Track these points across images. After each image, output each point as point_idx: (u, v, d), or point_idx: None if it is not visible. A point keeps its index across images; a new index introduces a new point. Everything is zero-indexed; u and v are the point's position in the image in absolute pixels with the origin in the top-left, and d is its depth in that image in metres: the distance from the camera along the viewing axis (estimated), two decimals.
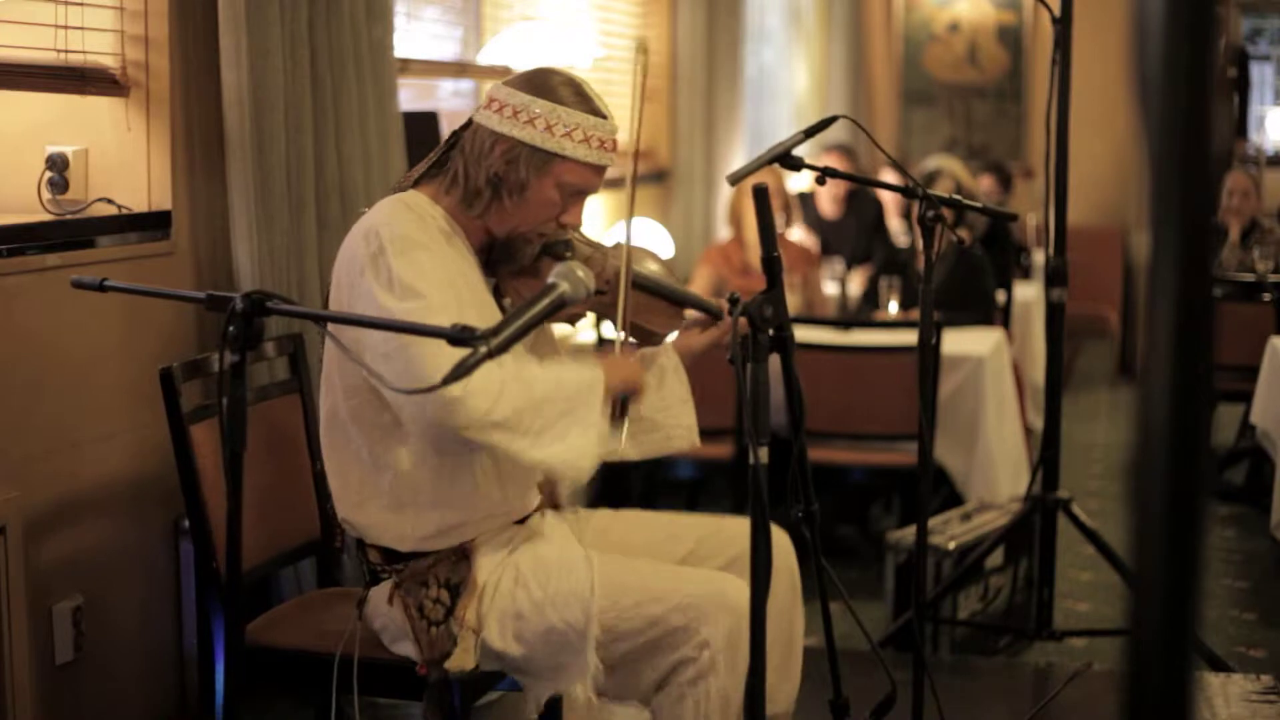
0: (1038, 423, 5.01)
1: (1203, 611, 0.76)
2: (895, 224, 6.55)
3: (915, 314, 4.76)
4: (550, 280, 1.85)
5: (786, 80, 7.88)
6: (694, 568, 2.42)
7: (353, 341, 2.17)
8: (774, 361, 2.13)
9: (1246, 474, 5.43)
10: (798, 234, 6.34)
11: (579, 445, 2.17)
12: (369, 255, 2.18)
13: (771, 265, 2.24)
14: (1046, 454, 3.67)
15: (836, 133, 7.08)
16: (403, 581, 2.31)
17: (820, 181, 2.80)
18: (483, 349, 1.70)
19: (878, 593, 4.00)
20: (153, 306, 2.94)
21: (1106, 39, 6.55)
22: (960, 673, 3.62)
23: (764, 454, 2.02)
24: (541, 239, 2.34)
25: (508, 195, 2.28)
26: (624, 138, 2.42)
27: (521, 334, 1.75)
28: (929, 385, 2.89)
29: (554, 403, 2.15)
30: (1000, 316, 5.36)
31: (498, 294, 2.38)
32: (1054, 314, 3.60)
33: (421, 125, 3.86)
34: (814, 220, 6.49)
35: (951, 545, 3.76)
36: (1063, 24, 3.50)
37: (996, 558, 3.82)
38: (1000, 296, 5.39)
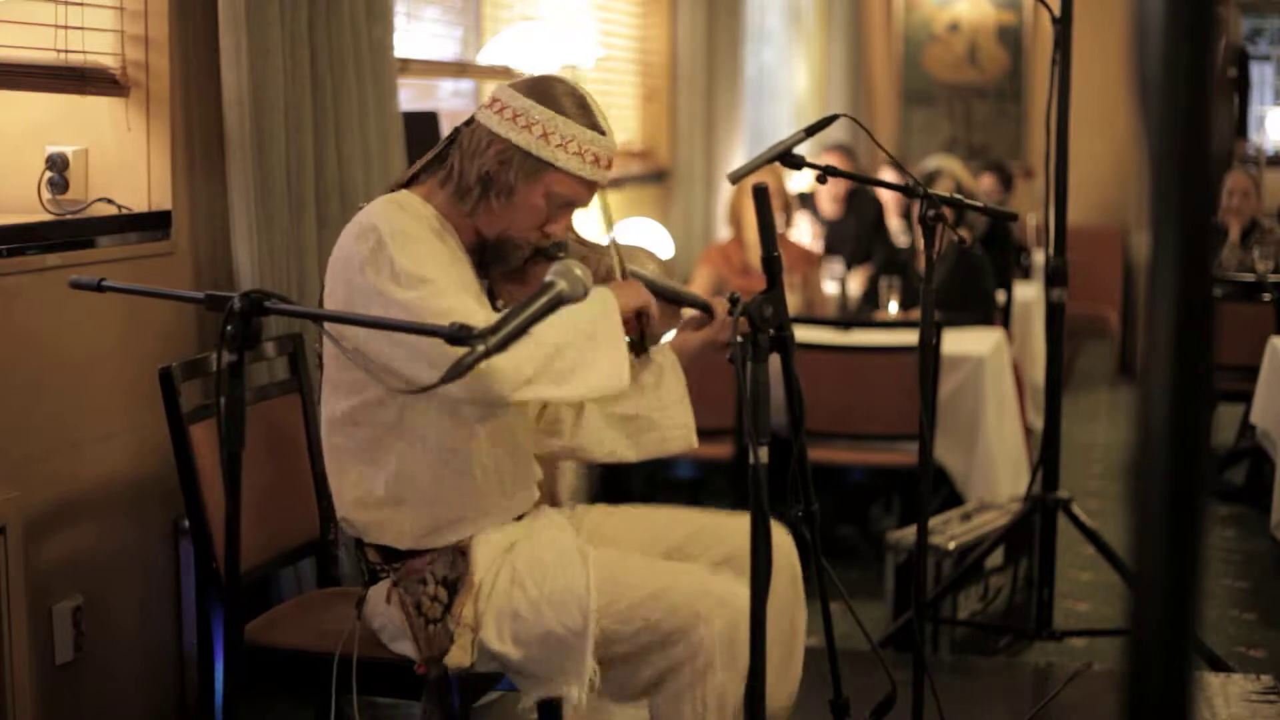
0: (1038, 423, 5.01)
1: (1203, 611, 0.76)
2: (895, 223, 6.55)
3: (915, 314, 4.77)
4: (548, 279, 1.85)
5: (786, 80, 7.88)
6: (691, 566, 2.41)
7: (354, 338, 2.17)
8: (774, 361, 2.13)
9: (1246, 474, 5.43)
10: (807, 231, 6.34)
11: (609, 369, 2.20)
12: (368, 251, 2.18)
13: (771, 265, 2.24)
14: (1046, 454, 3.67)
15: (837, 132, 7.09)
16: (400, 579, 2.31)
17: (821, 180, 2.80)
18: (480, 347, 1.70)
19: (878, 593, 4.00)
20: (152, 306, 2.94)
21: (1106, 39, 6.55)
22: (960, 673, 3.62)
23: (764, 454, 2.02)
24: (531, 246, 2.34)
25: (495, 196, 2.27)
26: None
27: (520, 332, 1.75)
28: (929, 385, 2.89)
29: (573, 344, 2.17)
30: (1000, 316, 5.36)
31: (491, 296, 2.38)
32: (1054, 314, 3.60)
33: (421, 125, 3.86)
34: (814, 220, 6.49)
35: (951, 545, 3.76)
36: (1063, 24, 3.50)
37: (996, 558, 3.82)
38: (1000, 296, 5.39)
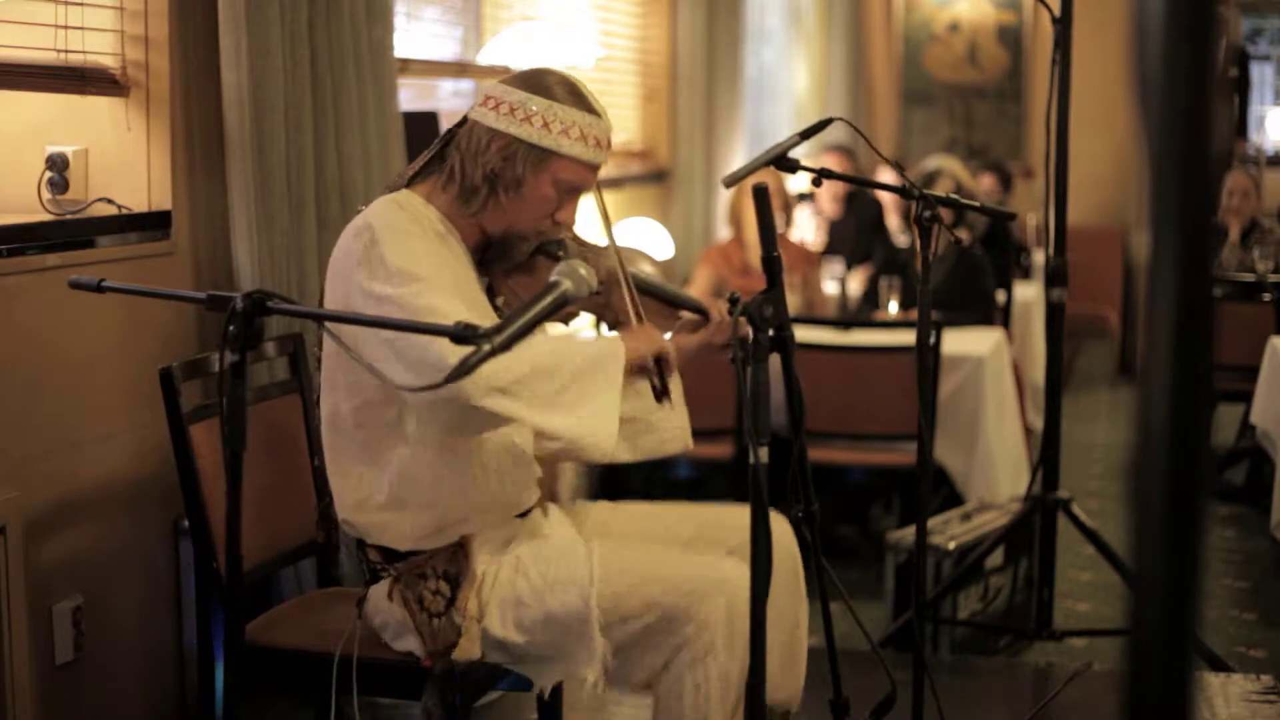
0: (1038, 423, 5.01)
1: (1203, 611, 0.76)
2: (894, 223, 6.55)
3: (915, 314, 4.76)
4: (553, 278, 1.85)
5: (786, 80, 7.88)
6: (694, 553, 2.42)
7: (352, 338, 2.17)
8: (774, 361, 2.13)
9: (1246, 474, 5.43)
10: (808, 225, 6.34)
11: (595, 418, 2.16)
12: (362, 249, 2.19)
13: (771, 265, 2.24)
14: (1046, 454, 3.67)
15: (835, 133, 7.08)
16: (401, 576, 2.31)
17: (816, 183, 2.80)
18: (485, 347, 1.70)
19: (878, 593, 4.00)
20: (152, 306, 2.94)
21: (1106, 39, 6.55)
22: (960, 673, 3.62)
23: (764, 454, 2.02)
24: (539, 237, 2.35)
25: (504, 192, 2.28)
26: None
27: (525, 332, 1.75)
28: (929, 385, 2.89)
29: (562, 371, 2.14)
30: (1000, 316, 5.36)
31: (491, 294, 2.39)
32: (1054, 314, 3.60)
33: (421, 125, 3.86)
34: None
35: (951, 545, 3.76)
36: (1063, 24, 3.50)
37: (996, 558, 3.82)
38: (1000, 296, 5.39)
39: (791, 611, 2.47)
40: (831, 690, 2.47)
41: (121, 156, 3.03)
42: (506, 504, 2.38)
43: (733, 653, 2.22)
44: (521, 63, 4.50)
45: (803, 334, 3.94)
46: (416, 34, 4.52)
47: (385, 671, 2.37)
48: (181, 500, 2.49)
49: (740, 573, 2.23)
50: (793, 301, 4.83)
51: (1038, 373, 5.27)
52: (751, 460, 2.00)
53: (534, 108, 2.27)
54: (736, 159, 6.44)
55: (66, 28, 2.89)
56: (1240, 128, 8.25)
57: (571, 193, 2.33)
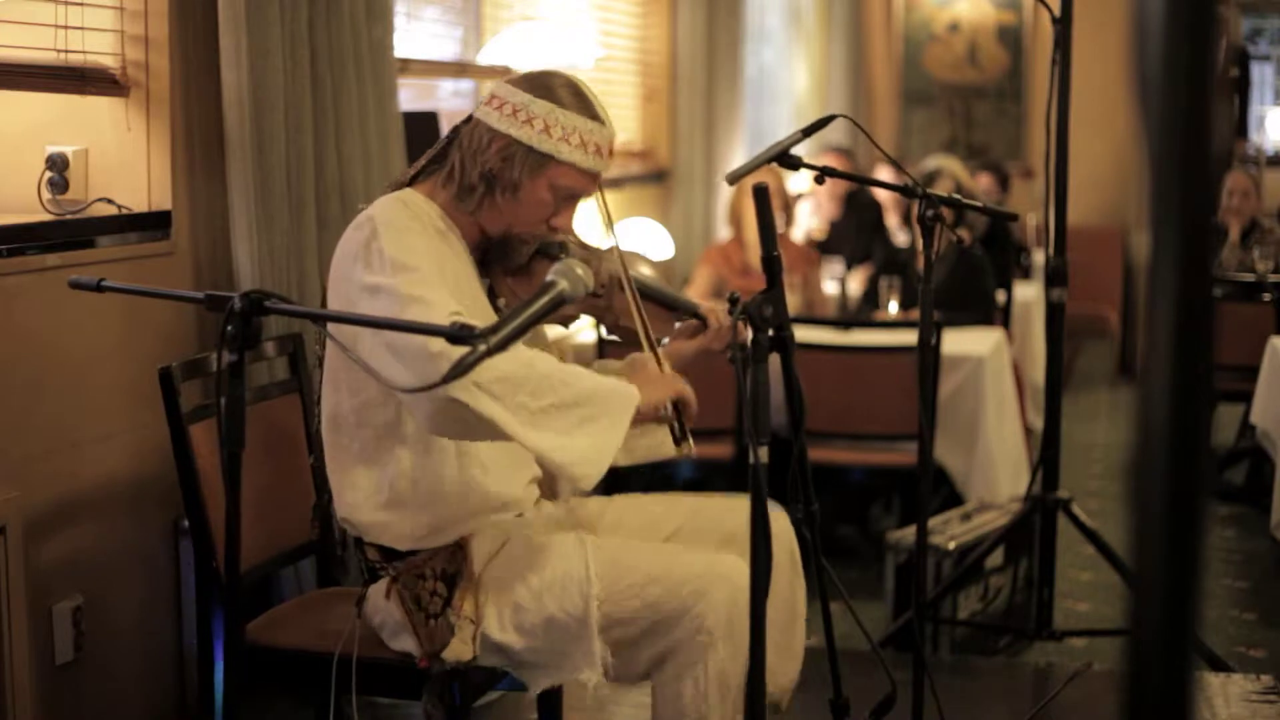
0: (1038, 423, 5.01)
1: (1203, 611, 0.76)
2: (892, 221, 6.55)
3: (915, 314, 4.76)
4: (549, 278, 1.85)
5: (786, 80, 7.88)
6: (690, 548, 2.41)
7: (352, 336, 2.18)
8: (774, 361, 2.13)
9: (1246, 474, 5.43)
10: (809, 217, 6.35)
11: (588, 450, 2.10)
12: (362, 242, 2.19)
13: (771, 265, 2.24)
14: (1046, 454, 3.67)
15: (835, 134, 7.09)
16: (399, 575, 2.31)
17: (819, 181, 2.80)
18: (482, 347, 1.70)
19: (878, 593, 4.00)
20: (152, 306, 2.94)
21: (1106, 39, 6.55)
22: (960, 673, 3.62)
23: (764, 454, 2.02)
24: (537, 240, 2.34)
25: (500, 193, 2.28)
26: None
27: (521, 332, 1.75)
28: (929, 385, 2.89)
29: (562, 392, 2.09)
30: (1000, 316, 5.36)
31: (491, 294, 2.39)
32: (1054, 314, 3.60)
33: (421, 125, 3.86)
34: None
35: (951, 545, 3.76)
36: (1063, 24, 3.50)
37: (996, 558, 3.82)
38: (1000, 296, 5.38)
39: (790, 600, 2.46)
40: (831, 690, 2.47)
41: (121, 156, 3.03)
42: (506, 503, 2.38)
43: (732, 651, 2.22)
44: (521, 63, 4.50)
45: (803, 334, 3.94)
46: (416, 34, 4.52)
47: (385, 671, 2.37)
48: (181, 500, 2.49)
49: (739, 569, 2.23)
50: (793, 301, 4.83)
51: (1038, 373, 5.26)
52: (751, 460, 2.00)
53: (536, 110, 2.26)
54: (736, 159, 6.44)
55: (66, 28, 2.89)
56: (1240, 128, 8.25)
57: (569, 199, 2.32)
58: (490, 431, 2.09)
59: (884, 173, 6.83)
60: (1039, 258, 6.30)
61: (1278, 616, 4.12)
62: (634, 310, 2.32)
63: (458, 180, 2.30)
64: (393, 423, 2.28)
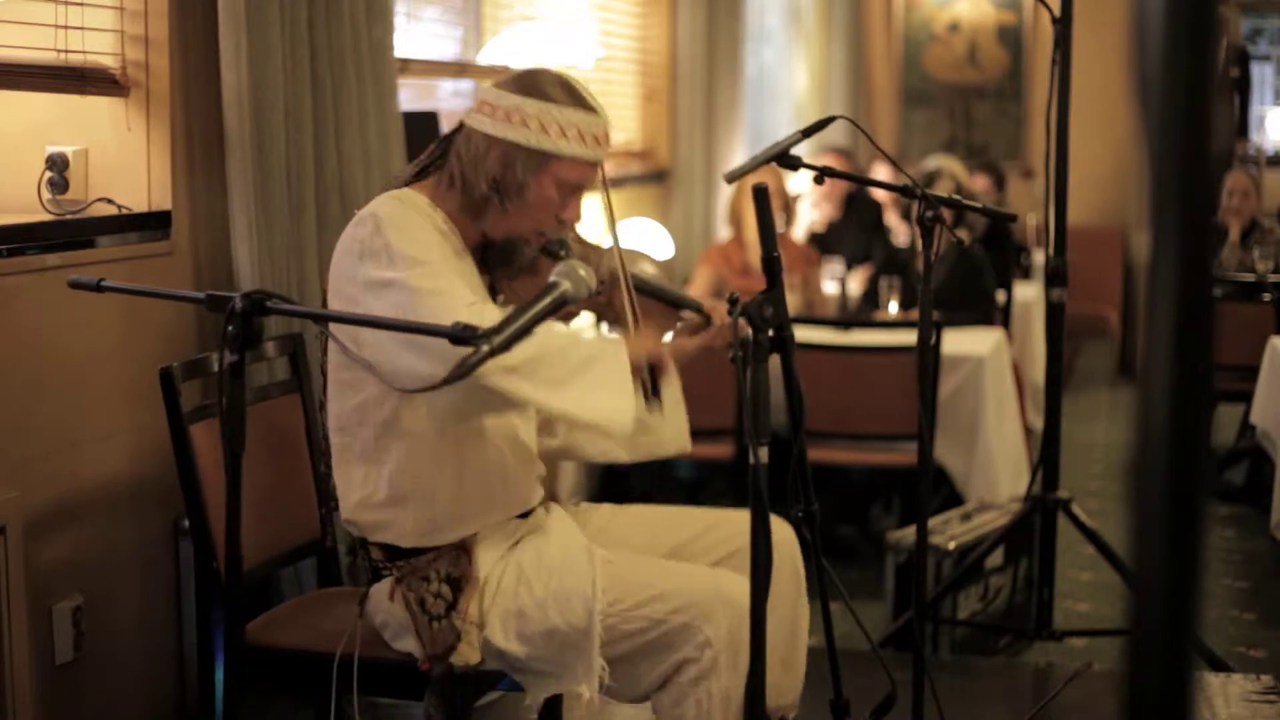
0: (1038, 423, 5.01)
1: (1203, 611, 0.76)
2: (892, 220, 6.55)
3: (915, 314, 4.76)
4: (552, 279, 1.85)
5: (786, 80, 7.88)
6: (696, 565, 2.41)
7: (352, 334, 2.18)
8: (774, 361, 2.13)
9: (1246, 474, 5.43)
10: (810, 214, 6.35)
11: (609, 403, 2.16)
12: (366, 238, 2.19)
13: (771, 265, 2.24)
14: (1046, 454, 3.67)
15: (834, 135, 7.09)
16: (404, 577, 2.31)
17: (818, 181, 2.80)
18: (485, 347, 1.71)
19: (878, 593, 4.00)
20: (152, 306, 2.94)
21: (1106, 39, 6.55)
22: (960, 673, 3.62)
23: (764, 454, 2.02)
24: (540, 239, 2.34)
25: (507, 199, 2.28)
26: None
27: (524, 332, 1.75)
28: (929, 385, 2.89)
29: (570, 358, 2.14)
30: (1000, 316, 5.36)
31: (493, 293, 2.39)
32: (1054, 314, 3.60)
33: (421, 125, 3.86)
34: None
35: (951, 545, 3.76)
36: (1063, 24, 3.50)
37: (996, 558, 3.82)
38: (1000, 296, 5.39)
39: (791, 615, 2.46)
40: (831, 690, 2.47)
41: (121, 156, 3.03)
42: (508, 502, 2.38)
43: (735, 670, 2.22)
44: (521, 63, 4.50)
45: (803, 334, 3.94)
46: (416, 34, 4.52)
47: (386, 672, 2.37)
48: (181, 500, 2.49)
49: (744, 589, 2.22)
50: (793, 301, 4.83)
51: (1038, 373, 5.26)
52: (751, 460, 2.00)
53: (529, 110, 2.25)
54: (736, 159, 6.44)
55: (66, 28, 2.89)
56: (1240, 128, 8.25)
57: (574, 191, 2.32)
58: (515, 405, 2.18)
59: (883, 172, 6.83)
60: (1039, 258, 6.30)
61: (1278, 616, 4.12)
62: (628, 307, 2.33)
63: (462, 192, 2.29)
64: (391, 420, 2.28)
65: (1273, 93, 8.62)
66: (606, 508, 2.60)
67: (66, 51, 2.90)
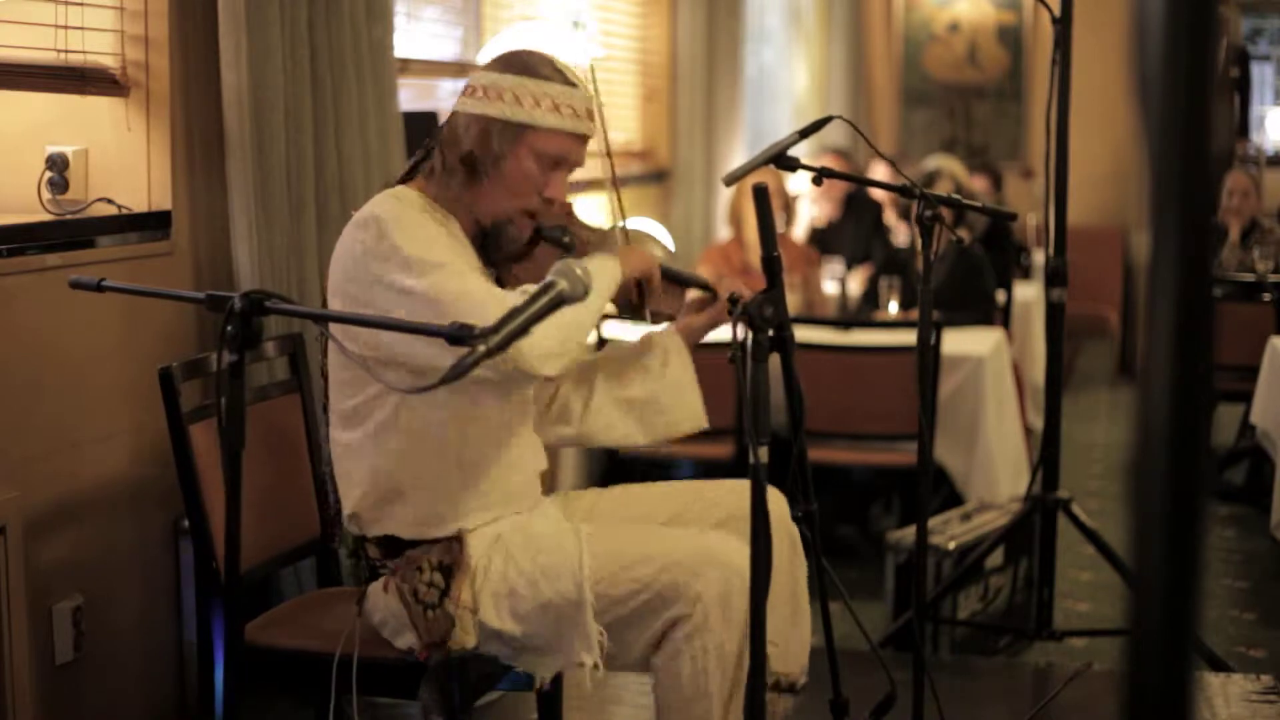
0: (1038, 423, 5.01)
1: (1203, 611, 0.76)
2: (891, 219, 6.54)
3: (915, 314, 4.76)
4: (549, 278, 1.85)
5: (786, 80, 7.88)
6: (687, 530, 2.41)
7: (353, 336, 2.18)
8: (774, 361, 2.13)
9: (1246, 474, 5.43)
10: (811, 210, 6.35)
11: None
12: (371, 240, 2.18)
13: (771, 265, 2.24)
14: (1046, 454, 3.67)
15: (833, 135, 7.09)
16: (397, 570, 2.31)
17: (817, 182, 2.79)
18: (481, 348, 1.70)
19: (878, 593, 4.00)
20: (152, 306, 2.94)
21: (1106, 39, 6.55)
22: (960, 673, 3.62)
23: (764, 454, 2.02)
24: (532, 220, 2.33)
25: (484, 172, 2.29)
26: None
27: (520, 332, 1.75)
28: (929, 385, 2.89)
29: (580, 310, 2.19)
30: (1000, 316, 5.36)
31: (498, 284, 2.39)
32: (1054, 314, 3.60)
33: (421, 125, 3.86)
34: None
35: (951, 545, 3.76)
36: (1063, 24, 3.50)
37: (996, 558, 3.82)
38: (1000, 296, 5.38)
39: (790, 577, 2.46)
40: (831, 690, 2.47)
41: (121, 156, 3.03)
42: (507, 497, 2.37)
43: (729, 623, 2.22)
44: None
45: (803, 334, 3.94)
46: (416, 34, 4.52)
47: (385, 671, 2.37)
48: (181, 500, 2.49)
49: (732, 546, 2.23)
50: (793, 301, 4.83)
51: (1038, 373, 5.26)
52: (751, 460, 2.01)
53: (506, 84, 2.28)
54: (736, 159, 6.44)
55: (66, 28, 2.89)
56: (1240, 128, 8.24)
57: (556, 166, 2.32)
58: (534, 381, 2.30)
59: (881, 172, 6.83)
60: (1039, 258, 6.30)
61: (1278, 616, 4.12)
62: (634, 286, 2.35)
63: (444, 171, 2.32)
64: (389, 419, 2.28)
65: (1273, 93, 8.62)
66: (592, 491, 2.61)
67: (66, 51, 2.91)
